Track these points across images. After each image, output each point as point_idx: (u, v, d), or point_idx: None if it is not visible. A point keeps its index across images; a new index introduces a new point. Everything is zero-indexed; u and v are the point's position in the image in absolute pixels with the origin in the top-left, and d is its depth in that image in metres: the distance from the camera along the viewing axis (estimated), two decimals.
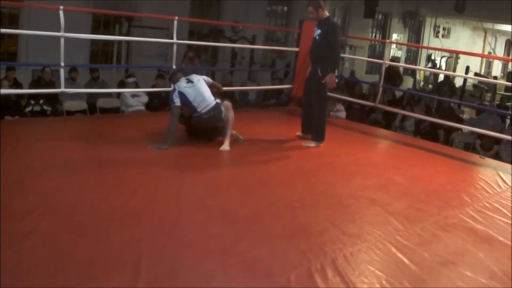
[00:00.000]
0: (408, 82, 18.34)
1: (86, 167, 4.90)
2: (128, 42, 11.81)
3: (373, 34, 20.14)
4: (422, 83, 20.27)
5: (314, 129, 6.64)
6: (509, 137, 7.30)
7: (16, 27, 10.05)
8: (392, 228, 4.07)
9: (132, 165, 5.09)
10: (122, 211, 3.88)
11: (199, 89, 5.93)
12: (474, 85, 17.22)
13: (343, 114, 9.24)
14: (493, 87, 15.86)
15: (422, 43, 21.33)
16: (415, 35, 21.78)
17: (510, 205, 5.01)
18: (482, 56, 22.55)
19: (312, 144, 6.56)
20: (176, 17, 7.27)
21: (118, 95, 9.13)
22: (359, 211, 4.45)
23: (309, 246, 3.57)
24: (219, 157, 5.79)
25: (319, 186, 5.05)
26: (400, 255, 3.60)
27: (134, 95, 8.67)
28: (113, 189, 4.35)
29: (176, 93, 5.87)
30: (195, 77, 6.10)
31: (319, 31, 6.49)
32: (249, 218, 4.01)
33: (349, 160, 6.16)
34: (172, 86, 6.13)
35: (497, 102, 14.40)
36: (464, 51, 20.59)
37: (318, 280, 3.11)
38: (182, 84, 5.96)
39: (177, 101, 5.83)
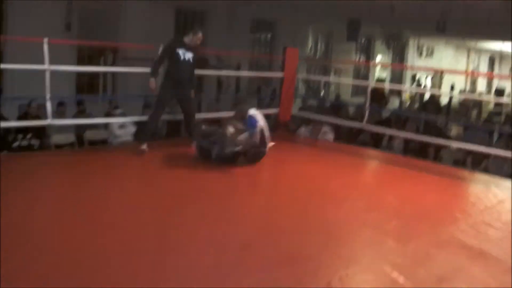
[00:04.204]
0: (394, 103, 18.44)
1: (73, 202, 4.84)
2: (113, 73, 11.82)
3: (358, 57, 20.28)
4: (408, 103, 20.39)
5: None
6: (497, 151, 7.34)
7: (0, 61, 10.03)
8: (385, 249, 4.08)
9: (120, 196, 5.07)
10: (112, 247, 3.81)
11: None
12: (460, 103, 17.35)
13: (331, 136, 9.24)
14: (479, 104, 15.98)
15: (406, 63, 21.50)
16: (399, 56, 21.96)
17: (502, 219, 5.02)
18: (465, 74, 22.71)
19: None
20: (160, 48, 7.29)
21: (106, 126, 9.10)
22: (351, 234, 4.46)
23: (304, 270, 3.56)
24: (209, 185, 5.76)
25: (309, 211, 5.01)
26: (395, 274, 3.58)
27: (121, 126, 8.64)
28: (100, 225, 4.27)
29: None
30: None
31: (191, 55, 7.04)
32: (242, 246, 3.96)
33: (339, 183, 6.16)
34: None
35: (484, 119, 14.47)
36: (447, 68, 20.80)
37: None
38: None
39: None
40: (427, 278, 3.60)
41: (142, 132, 7.12)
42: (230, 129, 6.35)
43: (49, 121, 6.71)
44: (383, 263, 3.77)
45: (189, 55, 6.98)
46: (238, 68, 14.18)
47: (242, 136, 6.36)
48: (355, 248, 4.13)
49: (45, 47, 6.29)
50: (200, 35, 7.07)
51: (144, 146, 6.77)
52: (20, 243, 3.74)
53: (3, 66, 9.06)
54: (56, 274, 3.30)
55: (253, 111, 6.67)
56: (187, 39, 7.01)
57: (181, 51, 6.91)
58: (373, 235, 4.40)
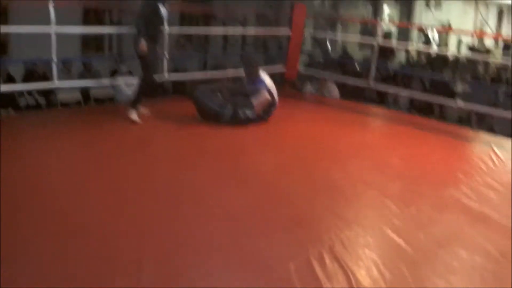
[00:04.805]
0: (401, 57, 18.31)
1: (86, 167, 4.90)
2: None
3: (364, 9, 20.00)
4: (415, 57, 20.23)
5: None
6: (500, 112, 7.36)
7: (5, 19, 9.98)
8: (388, 211, 4.14)
9: (126, 160, 5.13)
10: (120, 211, 3.90)
11: None
12: (468, 58, 17.16)
13: (336, 93, 9.26)
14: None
15: (414, 16, 21.23)
16: (407, 8, 21.66)
17: (503, 181, 5.07)
18: (473, 33, 22.30)
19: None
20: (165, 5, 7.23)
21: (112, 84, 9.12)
22: (355, 196, 4.52)
23: (307, 235, 3.64)
24: (216, 146, 5.83)
25: (315, 172, 5.09)
26: (396, 238, 3.66)
27: (128, 84, 8.67)
28: (108, 187, 4.37)
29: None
30: None
31: (166, 11, 6.62)
32: (247, 210, 4.04)
33: (345, 142, 6.21)
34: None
35: (493, 76, 14.36)
36: (455, 27, 20.52)
37: (317, 268, 3.17)
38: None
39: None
40: (427, 242, 3.68)
41: (134, 98, 6.49)
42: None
43: (56, 83, 6.72)
44: (385, 226, 3.85)
45: (165, 12, 6.55)
46: (244, 21, 14.06)
47: (256, 101, 6.44)
48: (358, 210, 4.21)
49: (51, 8, 6.27)
50: None
51: (134, 116, 6.35)
52: (33, 204, 3.85)
53: (9, 28, 9.04)
54: (68, 238, 3.39)
55: (261, 73, 6.73)
56: None
57: (161, 7, 6.36)
58: (376, 197, 4.47)
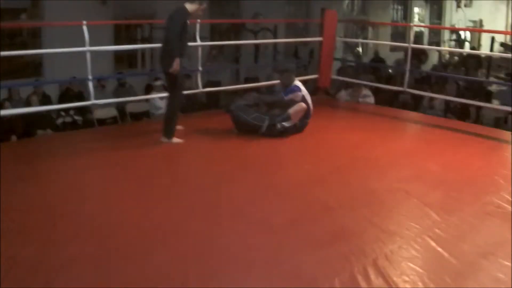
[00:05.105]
0: (433, 57, 18.15)
1: (121, 183, 4.99)
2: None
3: (394, 10, 19.89)
4: (447, 56, 20.04)
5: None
6: None
7: (39, 40, 10.16)
8: (430, 221, 4.10)
9: (166, 175, 5.21)
10: (163, 227, 3.96)
11: None
12: (502, 56, 16.92)
13: (371, 99, 9.22)
14: None
15: (445, 15, 21.03)
16: (437, 8, 21.48)
17: None
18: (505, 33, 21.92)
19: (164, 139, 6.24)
20: (198, 20, 7.30)
21: (146, 98, 9.24)
22: (395, 206, 4.51)
23: (349, 248, 3.62)
24: (253, 157, 5.89)
25: (354, 182, 5.08)
26: (439, 249, 3.64)
27: (162, 98, 8.77)
28: (150, 204, 4.42)
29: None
30: None
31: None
32: (288, 224, 4.04)
33: (382, 150, 6.16)
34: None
35: None
36: (486, 29, 20.27)
37: (362, 283, 3.17)
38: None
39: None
40: (471, 252, 3.64)
41: (168, 126, 6.19)
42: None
43: (92, 101, 6.82)
44: (427, 236, 3.82)
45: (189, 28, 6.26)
46: (275, 30, 14.08)
47: (292, 110, 6.47)
48: (400, 221, 4.17)
49: (85, 29, 6.37)
50: (204, 6, 6.23)
51: (175, 140, 6.18)
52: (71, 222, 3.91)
53: (45, 51, 9.21)
54: (111, 253, 3.46)
55: (297, 81, 6.78)
56: (189, 8, 6.04)
57: (187, 23, 6.11)
58: (417, 206, 4.44)
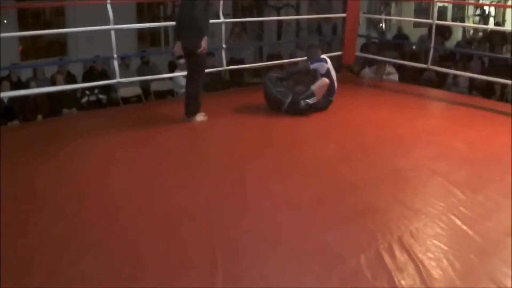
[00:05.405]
0: (457, 32, 17.92)
1: (147, 161, 5.05)
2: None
3: None
4: (472, 32, 19.79)
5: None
6: None
7: (63, 18, 10.22)
8: (455, 199, 4.11)
9: (192, 153, 5.28)
10: (190, 204, 4.02)
11: None
12: None
13: (395, 77, 9.16)
14: None
15: None
16: None
17: None
18: None
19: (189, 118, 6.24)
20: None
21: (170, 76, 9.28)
22: (421, 184, 4.52)
23: (375, 225, 3.66)
24: (279, 135, 5.92)
25: (379, 160, 5.08)
26: (464, 227, 3.65)
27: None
28: (177, 181, 4.49)
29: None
30: None
31: None
32: (314, 202, 4.07)
33: (407, 128, 6.15)
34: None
35: None
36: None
37: (387, 259, 3.19)
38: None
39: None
40: (496, 230, 3.65)
41: (193, 104, 6.20)
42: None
43: (117, 79, 6.90)
44: (453, 214, 3.83)
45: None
46: (297, 6, 14.02)
47: (315, 87, 6.48)
48: (425, 199, 4.18)
49: (109, 7, 6.43)
50: None
51: (200, 118, 6.24)
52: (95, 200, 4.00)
53: (70, 30, 9.28)
54: (139, 230, 3.54)
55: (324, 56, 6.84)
56: None
57: (210, 1, 6.05)
58: (442, 184, 4.43)
